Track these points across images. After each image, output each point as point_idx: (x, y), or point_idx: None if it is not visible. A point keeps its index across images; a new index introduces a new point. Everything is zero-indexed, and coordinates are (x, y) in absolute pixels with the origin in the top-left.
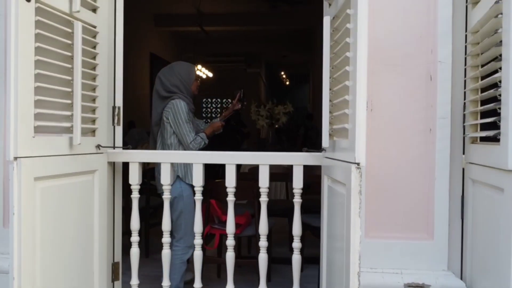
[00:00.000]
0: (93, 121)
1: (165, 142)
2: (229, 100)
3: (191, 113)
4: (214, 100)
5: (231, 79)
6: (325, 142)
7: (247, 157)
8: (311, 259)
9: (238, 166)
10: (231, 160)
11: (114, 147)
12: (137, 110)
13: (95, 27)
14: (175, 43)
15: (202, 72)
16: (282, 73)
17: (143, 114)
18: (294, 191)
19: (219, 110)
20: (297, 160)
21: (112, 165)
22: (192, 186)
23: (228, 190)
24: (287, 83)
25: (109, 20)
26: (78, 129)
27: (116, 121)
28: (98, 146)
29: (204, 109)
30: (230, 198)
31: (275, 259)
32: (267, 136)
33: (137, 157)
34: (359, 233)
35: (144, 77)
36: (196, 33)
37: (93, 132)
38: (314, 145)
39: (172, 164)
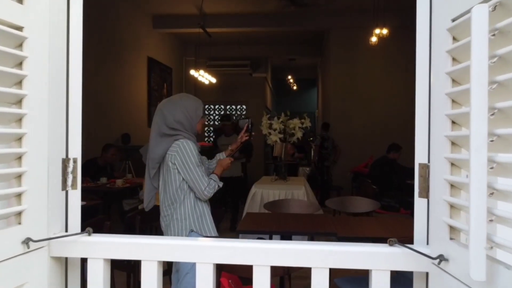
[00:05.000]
0: (18, 195)
1: (171, 191)
2: (233, 107)
3: (199, 154)
4: (217, 107)
5: (236, 84)
6: (478, 270)
7: (290, 254)
8: None
9: (241, 189)
10: (263, 259)
11: (66, 232)
12: (132, 122)
13: (20, 28)
14: (175, 46)
15: (205, 78)
16: (289, 77)
17: (139, 126)
18: None
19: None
20: (380, 261)
21: (63, 260)
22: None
23: None
24: (294, 87)
25: (53, 15)
26: None
27: (70, 182)
28: (27, 242)
29: (206, 117)
30: None
31: None
32: (280, 154)
33: (101, 249)
34: None
35: (141, 84)
36: (198, 35)
37: (17, 215)
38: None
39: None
